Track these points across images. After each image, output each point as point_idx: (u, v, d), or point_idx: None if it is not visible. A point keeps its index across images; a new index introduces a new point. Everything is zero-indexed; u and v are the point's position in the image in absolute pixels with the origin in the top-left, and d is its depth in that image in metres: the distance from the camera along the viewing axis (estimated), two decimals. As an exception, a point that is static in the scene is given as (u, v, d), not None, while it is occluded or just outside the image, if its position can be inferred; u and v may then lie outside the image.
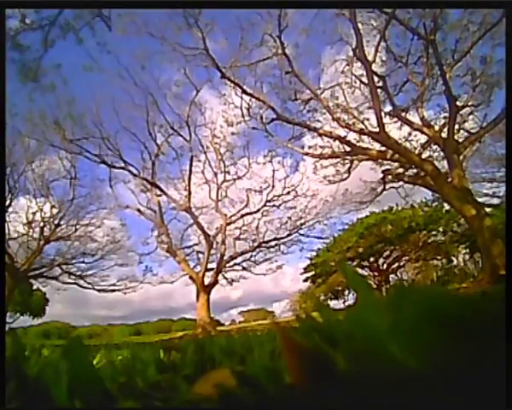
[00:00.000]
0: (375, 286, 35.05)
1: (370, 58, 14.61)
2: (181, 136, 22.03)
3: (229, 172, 24.11)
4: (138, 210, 24.06)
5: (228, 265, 26.11)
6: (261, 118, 17.66)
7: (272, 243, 26.42)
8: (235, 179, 24.41)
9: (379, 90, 14.65)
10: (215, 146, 23.10)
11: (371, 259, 32.51)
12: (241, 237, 26.39)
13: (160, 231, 23.69)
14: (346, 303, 51.11)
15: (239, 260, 27.19)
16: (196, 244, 26.44)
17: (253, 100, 17.29)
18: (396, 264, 34.38)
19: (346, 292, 44.37)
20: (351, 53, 16.25)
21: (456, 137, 14.43)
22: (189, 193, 22.49)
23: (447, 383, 0.37)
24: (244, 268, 27.73)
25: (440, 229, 29.04)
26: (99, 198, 24.63)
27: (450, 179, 13.13)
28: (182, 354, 1.37)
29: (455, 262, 39.04)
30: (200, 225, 23.44)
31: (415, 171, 14.67)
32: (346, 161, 18.37)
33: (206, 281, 23.10)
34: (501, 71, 15.00)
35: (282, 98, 17.89)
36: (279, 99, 17.96)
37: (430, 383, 0.38)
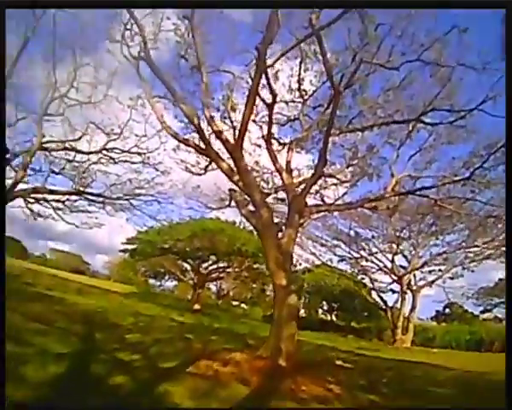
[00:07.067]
0: (191, 285, 34.58)
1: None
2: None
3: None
4: None
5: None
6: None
7: (99, 199, 21.79)
8: (81, 104, 19.03)
9: (264, 109, 12.90)
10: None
11: (197, 261, 31.32)
12: (62, 172, 20.83)
13: None
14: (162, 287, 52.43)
15: (49, 197, 21.50)
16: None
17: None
18: (216, 274, 34.31)
19: (166, 277, 43.78)
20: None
21: (307, 199, 13.79)
22: None
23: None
24: (54, 208, 22.12)
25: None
26: None
27: (280, 235, 12.18)
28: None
29: (267, 292, 43.32)
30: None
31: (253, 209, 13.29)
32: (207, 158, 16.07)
33: None
34: (378, 167, 15.11)
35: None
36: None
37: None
